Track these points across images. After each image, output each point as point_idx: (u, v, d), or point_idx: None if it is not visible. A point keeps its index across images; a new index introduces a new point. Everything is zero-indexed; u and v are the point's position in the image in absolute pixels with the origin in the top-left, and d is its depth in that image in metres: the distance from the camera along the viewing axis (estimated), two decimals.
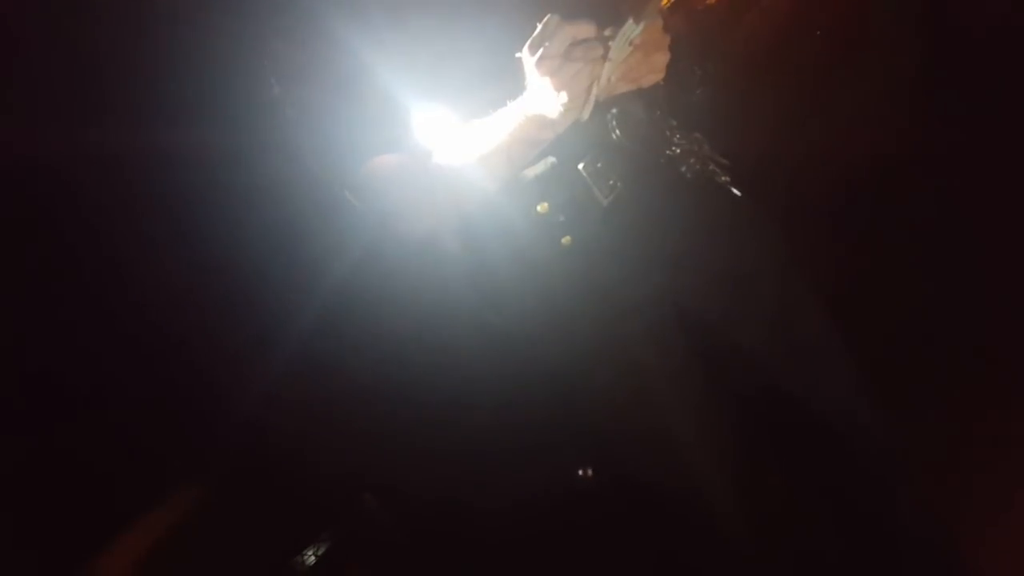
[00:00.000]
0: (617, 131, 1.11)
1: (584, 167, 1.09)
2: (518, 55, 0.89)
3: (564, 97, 0.88)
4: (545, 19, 0.85)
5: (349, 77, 1.04)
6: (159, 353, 1.33)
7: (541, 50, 0.86)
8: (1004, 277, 1.50)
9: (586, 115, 0.96)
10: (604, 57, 0.88)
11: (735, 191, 1.18)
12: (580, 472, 1.24)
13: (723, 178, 1.18)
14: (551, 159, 1.08)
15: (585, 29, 0.85)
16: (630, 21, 0.85)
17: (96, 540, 1.39)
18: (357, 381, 1.31)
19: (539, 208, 1.10)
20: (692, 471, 1.18)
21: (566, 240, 1.11)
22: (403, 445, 1.37)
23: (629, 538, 1.24)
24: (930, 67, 1.48)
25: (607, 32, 0.87)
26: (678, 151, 1.15)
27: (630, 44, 0.88)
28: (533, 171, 1.09)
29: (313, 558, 1.40)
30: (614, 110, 1.10)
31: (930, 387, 1.47)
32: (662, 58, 0.95)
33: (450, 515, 1.35)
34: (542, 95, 0.90)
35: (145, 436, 1.36)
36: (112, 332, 1.40)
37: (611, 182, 1.10)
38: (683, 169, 1.16)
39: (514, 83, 0.95)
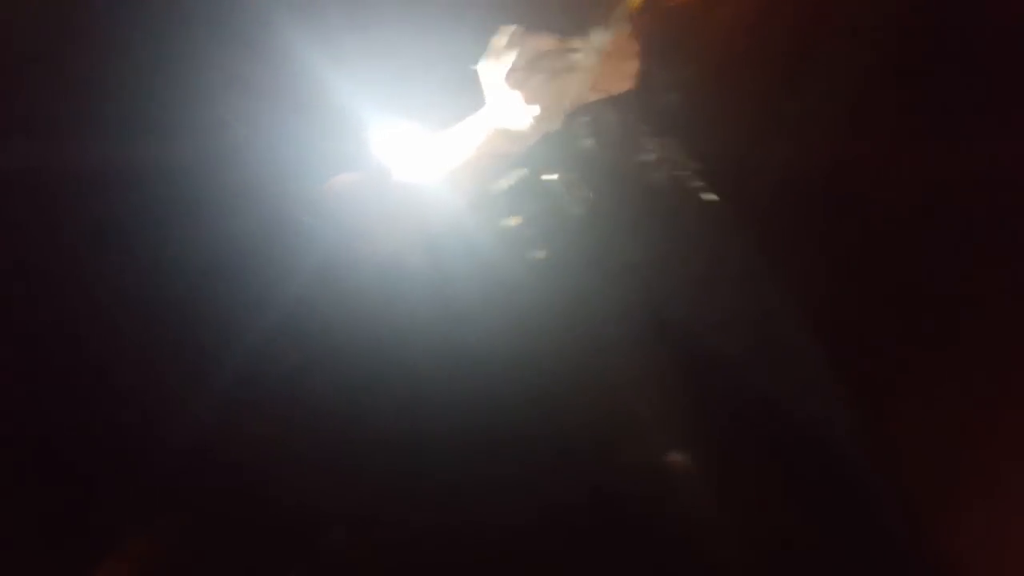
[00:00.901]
0: (589, 139, 1.08)
1: (556, 178, 1.06)
2: (473, 68, 0.86)
3: (535, 110, 0.86)
4: (505, 31, 0.82)
5: (304, 92, 0.99)
6: (98, 384, 1.26)
7: (507, 63, 0.83)
8: (981, 277, 1.51)
9: (557, 125, 0.93)
10: (572, 67, 0.85)
11: (710, 196, 1.16)
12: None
13: (697, 184, 1.16)
14: (522, 170, 1.06)
15: (547, 41, 0.82)
16: (598, 30, 0.82)
17: None
18: (319, 409, 1.26)
19: (511, 222, 1.06)
20: (676, 480, 1.17)
21: (539, 254, 1.08)
22: (372, 474, 1.32)
23: (613, 554, 1.22)
24: (911, 61, 1.48)
25: (575, 42, 0.84)
26: (652, 158, 1.13)
27: (599, 53, 0.85)
28: (503, 183, 1.05)
29: None
30: (585, 118, 1.07)
31: (908, 389, 1.47)
32: (632, 65, 0.93)
33: (425, 545, 1.31)
34: (511, 108, 0.87)
35: (89, 475, 1.29)
36: (47, 360, 1.32)
37: (584, 192, 1.08)
38: (656, 176, 1.14)
39: (479, 95, 0.91)
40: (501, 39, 0.84)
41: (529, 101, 0.85)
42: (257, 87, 0.99)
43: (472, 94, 0.92)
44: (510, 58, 0.83)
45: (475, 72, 0.89)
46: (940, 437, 1.46)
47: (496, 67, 0.86)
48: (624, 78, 0.95)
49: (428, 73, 0.96)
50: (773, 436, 1.26)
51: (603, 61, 0.89)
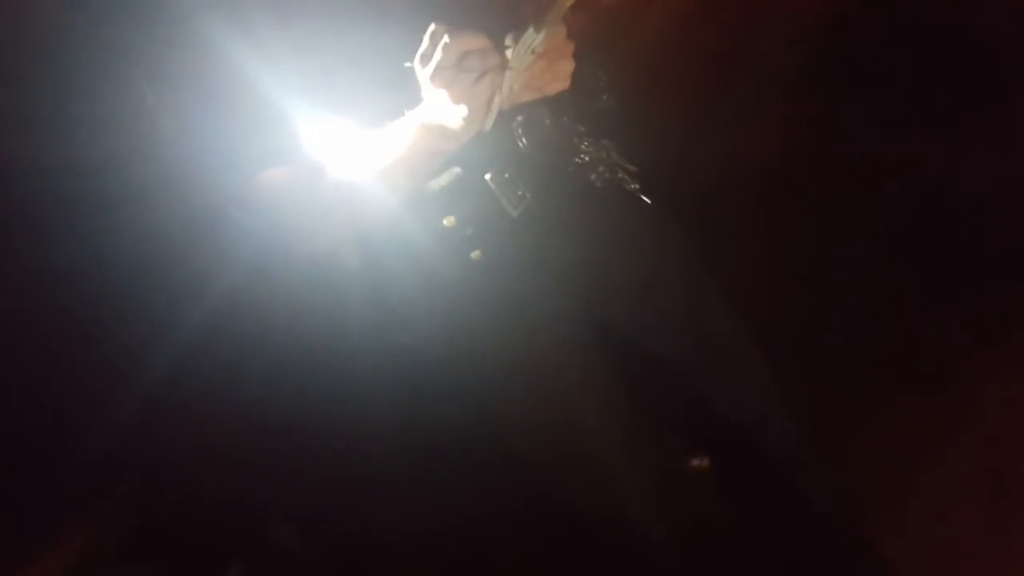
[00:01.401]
0: (524, 140, 1.07)
1: (491, 178, 1.05)
2: (408, 65, 0.84)
3: (464, 109, 0.84)
4: (430, 30, 0.81)
5: (232, 84, 0.95)
6: (11, 385, 1.20)
7: (433, 63, 0.81)
8: (915, 277, 1.53)
9: (489, 125, 0.91)
10: (503, 65, 0.84)
11: (645, 199, 1.16)
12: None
13: (633, 186, 1.15)
14: (456, 170, 1.03)
15: (475, 40, 0.80)
16: (531, 29, 0.81)
17: None
18: (251, 409, 1.23)
19: (445, 222, 1.05)
20: (613, 485, 1.16)
21: (475, 254, 1.06)
22: (310, 473, 1.29)
23: (549, 559, 1.22)
24: (840, 65, 1.49)
25: (508, 40, 0.83)
26: (587, 159, 1.13)
27: (532, 52, 0.84)
28: (437, 183, 1.03)
29: None
30: (519, 118, 1.06)
31: (841, 385, 1.49)
32: (567, 66, 0.91)
33: (356, 544, 1.29)
34: (441, 107, 0.85)
35: (13, 481, 1.23)
36: None
37: (520, 192, 1.07)
38: (592, 177, 1.13)
39: (413, 90, 0.89)
40: (424, 38, 0.82)
41: (455, 100, 0.83)
42: (181, 80, 0.95)
43: (406, 92, 0.91)
44: (436, 58, 0.81)
45: (410, 70, 0.87)
46: (880, 440, 1.48)
47: (421, 67, 0.84)
48: (559, 79, 0.93)
49: (356, 69, 0.94)
50: (712, 438, 1.26)
51: (537, 61, 0.87)
